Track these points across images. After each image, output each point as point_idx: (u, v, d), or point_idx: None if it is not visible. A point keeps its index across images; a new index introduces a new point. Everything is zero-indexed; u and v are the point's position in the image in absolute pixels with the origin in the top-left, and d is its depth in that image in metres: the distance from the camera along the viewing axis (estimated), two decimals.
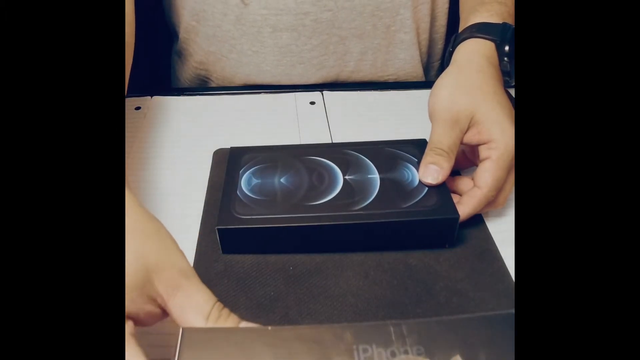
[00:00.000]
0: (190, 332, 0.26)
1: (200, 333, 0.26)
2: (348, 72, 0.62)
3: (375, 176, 0.40)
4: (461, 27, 0.47)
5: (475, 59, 0.43)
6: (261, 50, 0.59)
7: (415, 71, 0.64)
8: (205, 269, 0.36)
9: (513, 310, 0.30)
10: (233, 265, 0.37)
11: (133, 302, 0.26)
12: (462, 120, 0.40)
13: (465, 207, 0.38)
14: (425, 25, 0.63)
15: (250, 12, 0.57)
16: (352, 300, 0.34)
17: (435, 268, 0.36)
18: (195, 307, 0.27)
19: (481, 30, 0.44)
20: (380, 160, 0.41)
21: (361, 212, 0.37)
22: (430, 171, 0.39)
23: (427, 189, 0.38)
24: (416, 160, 0.41)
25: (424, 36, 0.63)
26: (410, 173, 0.40)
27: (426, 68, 0.67)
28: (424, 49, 0.64)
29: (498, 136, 0.39)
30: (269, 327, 0.27)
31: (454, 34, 0.47)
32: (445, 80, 0.42)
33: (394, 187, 0.39)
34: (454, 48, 0.46)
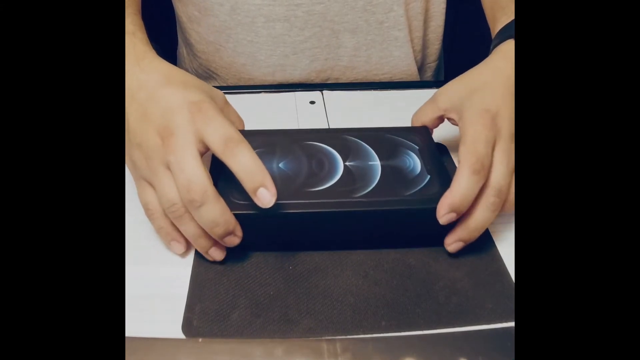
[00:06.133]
0: (131, 341, 0.30)
1: (144, 342, 0.30)
2: (342, 68, 0.62)
3: (377, 163, 0.39)
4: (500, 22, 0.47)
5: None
6: (255, 39, 0.59)
7: (410, 70, 0.64)
8: (205, 268, 0.36)
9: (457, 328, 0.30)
10: (233, 265, 0.36)
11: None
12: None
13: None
14: (418, 23, 0.62)
15: (244, 2, 0.57)
16: (351, 299, 0.34)
17: (435, 268, 0.36)
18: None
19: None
20: (381, 147, 0.40)
21: (364, 200, 0.36)
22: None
23: (429, 176, 0.38)
24: (417, 147, 0.41)
25: (417, 34, 0.63)
26: (411, 160, 0.39)
27: (421, 68, 0.67)
28: (418, 48, 0.64)
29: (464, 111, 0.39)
30: (200, 340, 0.30)
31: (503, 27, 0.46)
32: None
33: (395, 175, 0.38)
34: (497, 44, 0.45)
